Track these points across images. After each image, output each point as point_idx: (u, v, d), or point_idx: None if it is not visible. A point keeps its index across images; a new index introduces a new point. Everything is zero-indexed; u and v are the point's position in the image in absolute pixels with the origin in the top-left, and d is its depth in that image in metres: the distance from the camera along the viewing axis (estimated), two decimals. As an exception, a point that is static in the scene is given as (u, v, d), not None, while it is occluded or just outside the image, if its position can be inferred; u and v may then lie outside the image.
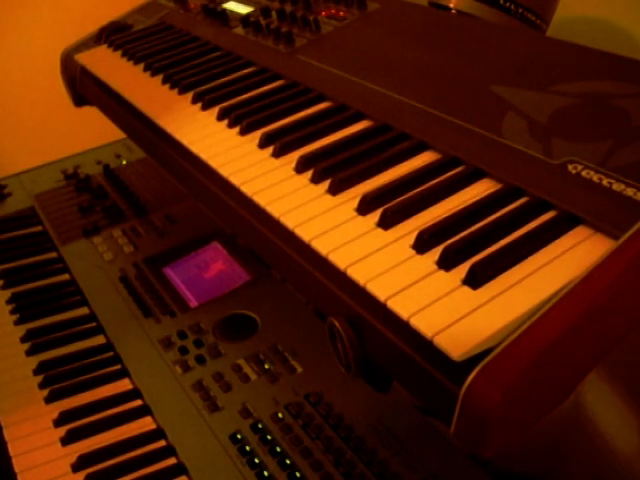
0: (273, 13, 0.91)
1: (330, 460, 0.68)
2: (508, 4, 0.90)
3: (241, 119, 0.70)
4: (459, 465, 0.66)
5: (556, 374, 0.41)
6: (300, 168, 0.61)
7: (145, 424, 0.76)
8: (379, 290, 0.46)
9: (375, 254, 0.49)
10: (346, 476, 0.66)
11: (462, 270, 0.46)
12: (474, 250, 0.47)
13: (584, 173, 0.50)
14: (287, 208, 0.56)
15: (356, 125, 0.67)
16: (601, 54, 0.64)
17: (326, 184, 0.58)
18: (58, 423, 0.77)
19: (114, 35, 1.02)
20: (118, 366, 0.84)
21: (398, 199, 0.54)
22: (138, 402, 0.79)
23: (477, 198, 0.53)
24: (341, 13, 0.85)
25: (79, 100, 1.05)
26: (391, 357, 0.47)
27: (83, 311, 0.94)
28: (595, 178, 0.50)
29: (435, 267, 0.47)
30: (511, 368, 0.39)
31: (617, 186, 0.48)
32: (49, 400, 0.80)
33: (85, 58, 0.98)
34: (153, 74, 0.87)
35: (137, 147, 0.96)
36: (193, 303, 0.93)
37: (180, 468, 0.71)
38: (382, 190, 0.55)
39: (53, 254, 1.06)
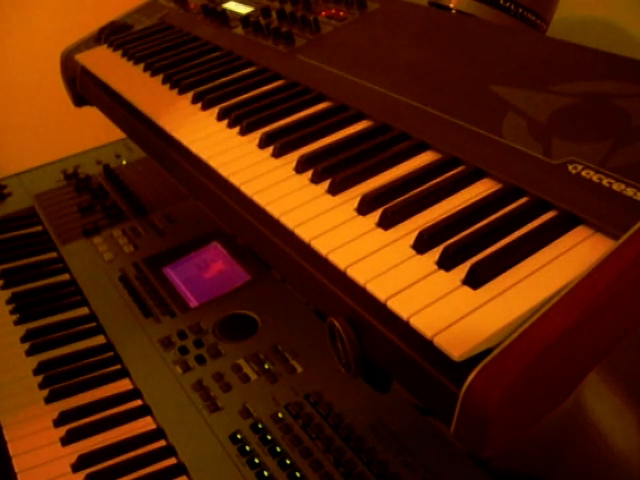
0: (273, 13, 0.91)
1: (330, 460, 0.68)
2: (508, 4, 0.90)
3: (241, 119, 0.70)
4: (459, 465, 0.66)
5: (556, 374, 0.41)
6: (300, 168, 0.61)
7: (145, 424, 0.76)
8: (379, 290, 0.46)
9: (375, 254, 0.49)
10: (346, 476, 0.66)
11: (462, 270, 0.46)
12: (474, 250, 0.47)
13: (584, 173, 0.50)
14: (287, 208, 0.56)
15: (356, 125, 0.67)
16: (601, 54, 0.64)
17: (326, 184, 0.58)
18: (58, 423, 0.77)
19: (114, 35, 1.02)
20: (118, 366, 0.84)
21: (398, 199, 0.54)
22: (138, 402, 0.79)
23: (477, 198, 0.53)
24: (341, 13, 0.85)
25: (79, 100, 1.05)
26: (391, 357, 0.47)
27: (83, 311, 0.94)
28: (595, 178, 0.50)
29: (435, 267, 0.47)
30: (511, 368, 0.39)
31: (617, 186, 0.48)
32: (49, 400, 0.80)
33: (85, 58, 0.98)
34: (153, 74, 0.87)
35: (137, 147, 0.96)
36: (193, 303, 0.93)
37: (180, 468, 0.71)
38: (382, 190, 0.55)
39: (53, 254, 1.06)
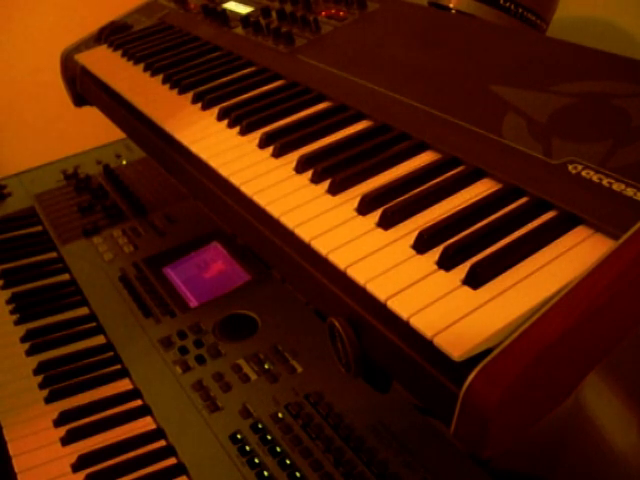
0: (273, 13, 0.91)
1: (330, 460, 0.68)
2: (508, 4, 0.90)
3: (241, 119, 0.70)
4: (459, 465, 0.66)
5: (556, 374, 0.41)
6: (300, 168, 0.61)
7: (145, 424, 0.76)
8: (379, 290, 0.46)
9: (375, 254, 0.49)
10: (346, 476, 0.66)
11: (462, 270, 0.46)
12: (474, 250, 0.47)
13: (584, 173, 0.50)
14: (287, 208, 0.56)
15: (356, 125, 0.67)
16: (601, 54, 0.64)
17: (326, 184, 0.58)
18: (58, 423, 0.77)
19: (114, 35, 1.02)
20: (118, 366, 0.84)
21: (398, 199, 0.54)
22: (138, 402, 0.79)
23: (477, 198, 0.53)
24: (341, 13, 0.85)
25: (79, 100, 1.05)
26: (391, 357, 0.47)
27: (83, 311, 0.94)
28: (595, 178, 0.50)
29: (435, 267, 0.47)
30: (511, 368, 0.39)
31: (617, 186, 0.48)
32: (49, 400, 0.80)
33: (85, 58, 0.98)
34: (153, 74, 0.87)
35: (137, 147, 0.96)
36: (193, 303, 0.93)
37: (180, 468, 0.71)
38: (382, 190, 0.55)
39: (53, 254, 1.06)
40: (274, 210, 0.56)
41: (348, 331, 0.49)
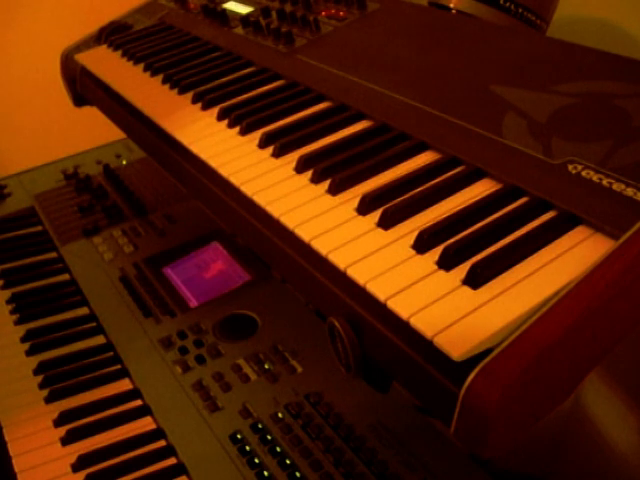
0: (273, 13, 0.91)
1: (330, 460, 0.68)
2: (508, 4, 0.90)
3: (241, 119, 0.70)
4: (459, 465, 0.66)
5: (556, 374, 0.41)
6: (300, 168, 0.61)
7: (145, 424, 0.76)
8: (379, 290, 0.46)
9: (375, 254, 0.49)
10: (346, 476, 0.66)
11: (462, 270, 0.46)
12: (474, 250, 0.47)
13: (584, 173, 0.51)
14: (287, 208, 0.56)
15: (356, 125, 0.67)
16: (601, 54, 0.64)
17: (326, 184, 0.58)
18: (58, 423, 0.77)
19: (114, 35, 1.02)
20: (118, 366, 0.84)
21: (398, 199, 0.54)
22: (138, 402, 0.79)
23: (477, 198, 0.53)
24: (341, 13, 0.85)
25: (79, 100, 1.05)
26: (391, 357, 0.47)
27: (83, 311, 0.94)
28: (595, 178, 0.50)
29: (435, 267, 0.47)
30: (511, 368, 0.39)
31: (617, 186, 0.48)
32: (49, 400, 0.80)
33: (85, 58, 0.98)
34: (153, 74, 0.87)
35: (137, 147, 0.96)
36: (193, 303, 0.93)
37: (180, 468, 0.71)
38: (382, 190, 0.55)
39: (53, 254, 1.06)
40: (274, 210, 0.56)
41: (348, 331, 0.49)
